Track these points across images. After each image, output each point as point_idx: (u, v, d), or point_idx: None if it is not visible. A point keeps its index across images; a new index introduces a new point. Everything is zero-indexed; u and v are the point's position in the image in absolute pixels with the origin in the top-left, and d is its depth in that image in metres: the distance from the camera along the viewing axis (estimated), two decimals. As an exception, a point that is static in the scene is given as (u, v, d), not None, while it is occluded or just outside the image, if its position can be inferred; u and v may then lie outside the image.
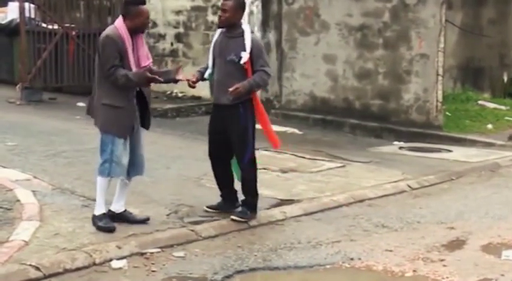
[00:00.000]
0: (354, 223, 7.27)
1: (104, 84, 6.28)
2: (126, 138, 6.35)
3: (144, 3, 6.42)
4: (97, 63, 6.37)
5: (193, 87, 6.97)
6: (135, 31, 6.31)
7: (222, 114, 6.88)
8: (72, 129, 10.59)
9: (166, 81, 6.69)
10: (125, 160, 6.36)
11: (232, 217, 6.89)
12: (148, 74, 6.26)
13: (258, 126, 6.96)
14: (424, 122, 12.34)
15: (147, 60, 6.40)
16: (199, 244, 6.33)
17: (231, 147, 6.94)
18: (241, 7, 6.87)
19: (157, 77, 6.33)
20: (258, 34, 13.52)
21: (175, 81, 6.75)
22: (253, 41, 6.75)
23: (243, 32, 6.77)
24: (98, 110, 6.34)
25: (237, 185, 7.14)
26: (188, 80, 6.82)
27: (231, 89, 6.61)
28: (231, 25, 6.81)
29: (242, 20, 6.90)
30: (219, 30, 6.97)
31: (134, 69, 6.25)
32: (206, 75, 6.96)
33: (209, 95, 7.14)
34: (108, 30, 6.32)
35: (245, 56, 6.68)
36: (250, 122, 6.85)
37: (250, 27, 6.94)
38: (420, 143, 11.84)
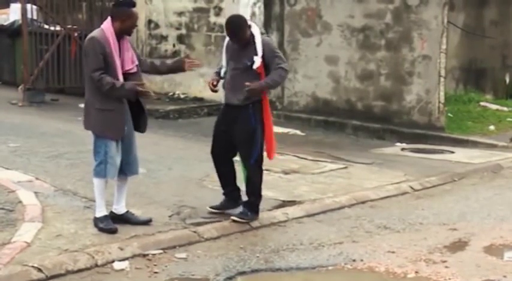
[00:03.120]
0: (356, 224, 7.27)
1: (93, 87, 6.28)
2: (118, 140, 6.36)
3: (135, 5, 6.42)
4: (85, 66, 6.39)
5: (215, 91, 6.99)
6: (121, 34, 6.31)
7: (232, 114, 6.89)
8: (74, 131, 10.58)
9: (176, 71, 7.02)
10: (118, 161, 6.38)
11: (233, 217, 6.90)
12: (138, 88, 6.25)
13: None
14: (426, 123, 12.33)
15: (131, 64, 6.38)
16: (202, 246, 6.33)
17: (235, 146, 6.95)
18: (245, 24, 6.81)
19: (149, 92, 6.34)
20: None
21: (184, 70, 6.87)
22: (264, 44, 6.78)
23: (253, 37, 6.78)
24: (90, 115, 6.36)
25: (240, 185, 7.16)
26: (210, 84, 6.93)
27: (248, 86, 6.63)
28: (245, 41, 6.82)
29: (251, 22, 6.89)
30: None
31: (120, 73, 6.25)
32: (222, 74, 6.98)
33: (211, 96, 7.14)
34: (94, 33, 6.33)
35: (257, 61, 6.72)
36: (259, 123, 6.87)
37: (259, 29, 6.92)
38: (422, 144, 11.83)
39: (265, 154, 7.01)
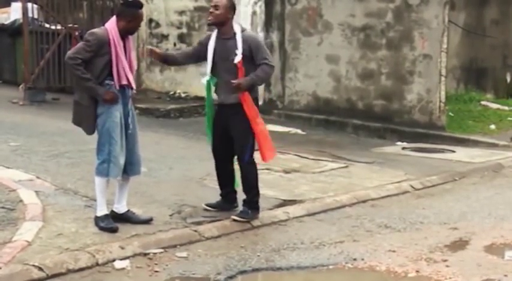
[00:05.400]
0: (356, 223, 7.27)
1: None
2: (122, 140, 6.35)
3: (142, 7, 6.42)
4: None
5: (157, 54, 6.96)
6: (125, 33, 6.32)
7: (227, 112, 6.89)
8: (75, 130, 10.46)
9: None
10: (122, 160, 6.37)
11: (234, 217, 6.90)
12: (106, 97, 6.22)
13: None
14: (427, 122, 12.33)
15: (135, 65, 6.43)
16: (202, 245, 6.33)
17: (233, 144, 6.96)
18: (233, 7, 6.88)
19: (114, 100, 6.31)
20: (261, 34, 13.52)
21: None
22: (248, 38, 6.77)
23: (235, 34, 6.79)
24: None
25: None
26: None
27: (234, 83, 6.62)
28: (221, 23, 6.80)
29: (233, 22, 6.90)
30: (213, 35, 6.90)
31: (128, 71, 6.26)
32: (204, 81, 6.98)
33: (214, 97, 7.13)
34: (97, 29, 6.35)
35: (237, 56, 6.70)
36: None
37: (240, 26, 6.89)
38: (423, 143, 11.83)
39: (259, 156, 6.97)
